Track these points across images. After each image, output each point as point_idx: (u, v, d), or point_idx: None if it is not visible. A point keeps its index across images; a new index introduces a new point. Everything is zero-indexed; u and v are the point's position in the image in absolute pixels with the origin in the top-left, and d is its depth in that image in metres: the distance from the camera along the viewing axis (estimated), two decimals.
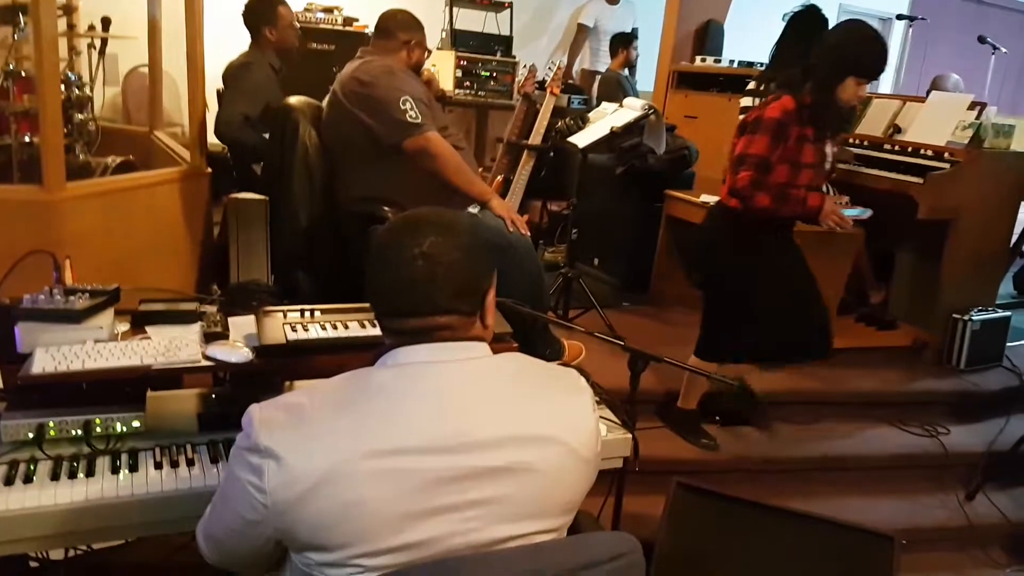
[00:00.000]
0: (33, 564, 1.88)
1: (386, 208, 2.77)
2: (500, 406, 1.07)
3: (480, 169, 3.73)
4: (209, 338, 1.60)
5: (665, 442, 2.87)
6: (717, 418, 3.05)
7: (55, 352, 1.45)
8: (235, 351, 1.55)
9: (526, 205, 5.11)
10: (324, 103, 2.96)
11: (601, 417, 1.82)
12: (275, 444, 1.00)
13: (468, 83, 5.46)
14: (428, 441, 1.01)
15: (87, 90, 3.71)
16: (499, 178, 4.18)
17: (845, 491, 2.90)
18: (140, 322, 1.69)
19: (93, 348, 1.48)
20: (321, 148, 2.91)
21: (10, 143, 3.17)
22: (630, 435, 1.83)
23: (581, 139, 3.31)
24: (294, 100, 2.94)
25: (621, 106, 3.60)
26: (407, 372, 1.07)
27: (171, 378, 1.59)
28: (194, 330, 1.66)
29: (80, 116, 3.41)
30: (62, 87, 3.30)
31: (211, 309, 1.78)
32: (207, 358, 1.53)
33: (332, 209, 2.90)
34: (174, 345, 1.53)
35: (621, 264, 4.22)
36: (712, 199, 3.59)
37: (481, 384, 1.09)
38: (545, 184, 4.50)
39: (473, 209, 2.85)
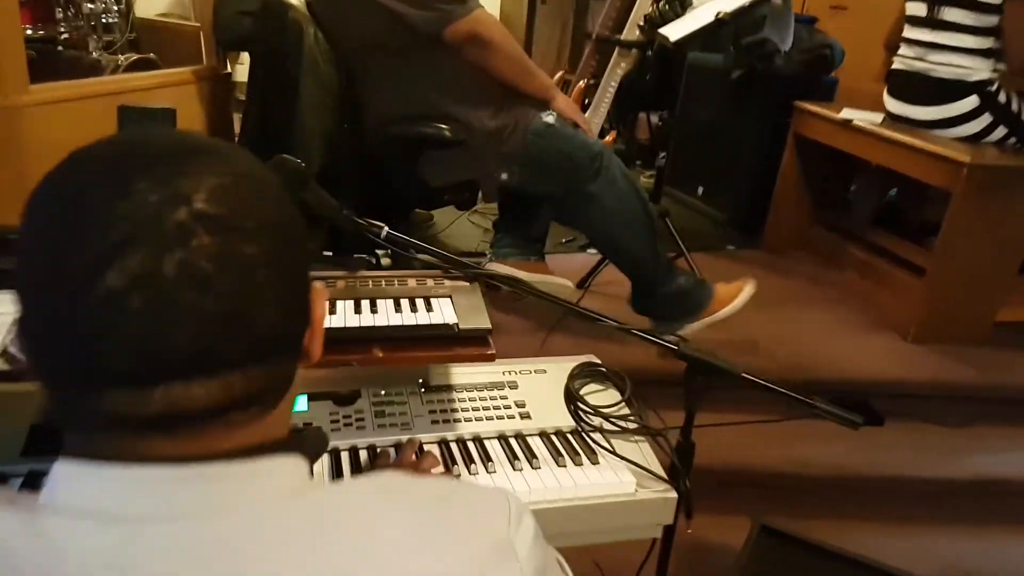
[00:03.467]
0: None
1: (441, 126, 2.16)
2: None
3: (561, 73, 3.04)
4: None
5: (744, 437, 2.17)
6: None
7: None
8: None
9: (629, 120, 4.35)
10: None
11: (627, 461, 1.20)
12: None
13: None
14: None
15: None
16: (581, 83, 3.43)
17: (1005, 529, 2.14)
18: None
19: None
20: (334, 56, 2.29)
21: None
22: (673, 495, 1.20)
23: (676, 30, 2.51)
24: None
25: None
26: (51, 537, 0.48)
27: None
28: None
29: (91, 6, 2.96)
30: None
31: None
32: None
33: (358, 138, 2.30)
34: None
35: (729, 195, 3.42)
36: (859, 114, 2.72)
37: None
38: (647, 93, 3.71)
39: (549, 118, 2.19)
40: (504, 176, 2.16)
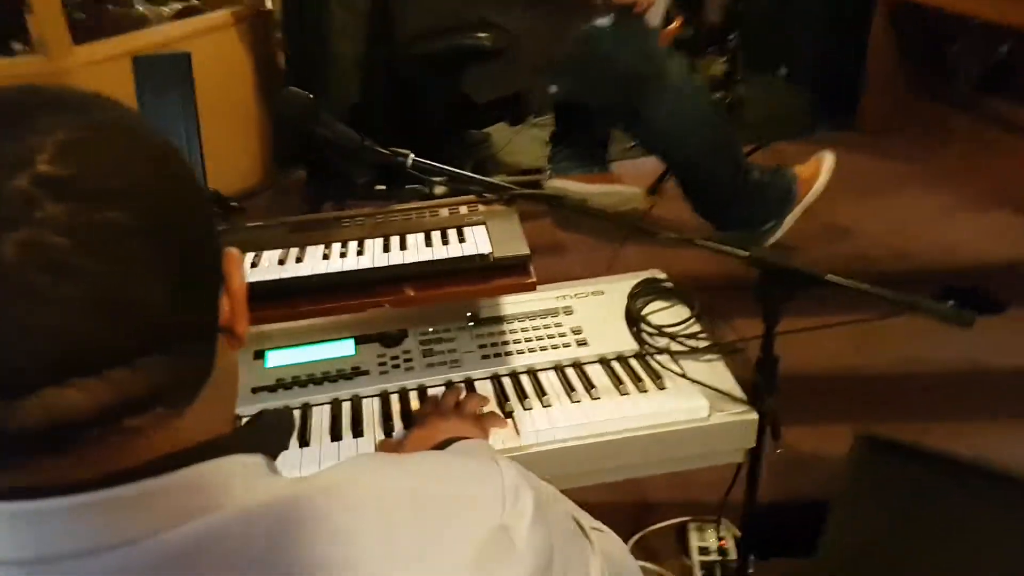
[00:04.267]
0: None
1: (479, 35, 2.01)
2: None
3: None
4: None
5: (840, 340, 1.98)
6: None
7: None
8: None
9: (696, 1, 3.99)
10: None
11: (698, 383, 1.10)
12: None
13: None
14: None
15: None
16: None
17: None
18: None
19: None
20: None
21: None
22: (753, 416, 1.08)
23: None
24: None
25: None
26: None
27: None
28: None
29: None
30: None
31: None
32: None
33: (395, 62, 2.17)
34: None
35: (815, 73, 3.10)
36: None
37: None
38: None
39: (603, 20, 2.00)
40: (552, 88, 1.99)
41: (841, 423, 1.71)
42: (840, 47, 2.96)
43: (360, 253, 1.02)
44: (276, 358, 1.16)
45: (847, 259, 2.13)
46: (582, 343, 1.20)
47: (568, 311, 1.26)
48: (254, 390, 1.11)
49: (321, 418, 1.07)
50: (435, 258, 1.00)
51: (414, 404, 1.10)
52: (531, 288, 1.01)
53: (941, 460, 1.49)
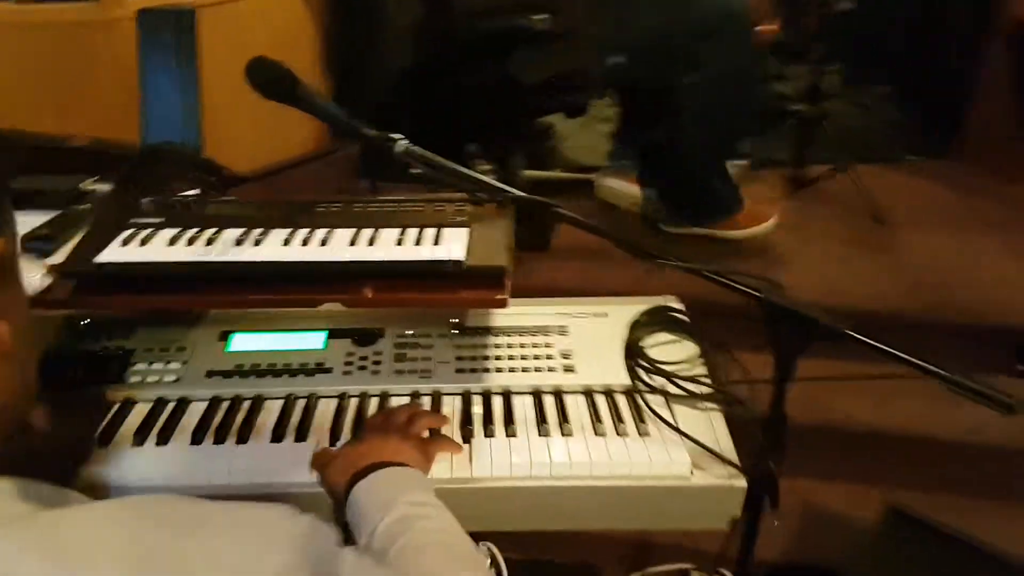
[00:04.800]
0: None
1: (535, 17, 1.90)
2: None
3: None
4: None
5: (860, 395, 1.76)
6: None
7: None
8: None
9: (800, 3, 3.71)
10: None
11: (684, 436, 0.97)
12: None
13: None
14: None
15: None
16: None
17: None
18: None
19: None
20: None
21: None
22: (741, 483, 0.95)
23: None
24: None
25: None
26: None
27: None
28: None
29: None
30: None
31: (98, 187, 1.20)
32: None
33: (444, 27, 2.07)
34: None
35: (917, 93, 2.83)
36: None
37: None
38: None
39: None
40: (614, 61, 1.86)
41: (857, 483, 1.55)
42: (946, 69, 2.69)
43: (324, 243, 0.93)
44: (240, 342, 1.10)
45: (907, 296, 1.93)
46: (569, 369, 1.08)
47: (563, 331, 1.15)
48: (209, 373, 1.05)
49: (269, 415, 1.00)
50: (400, 259, 0.91)
51: (371, 412, 1.02)
52: (500, 304, 0.90)
53: (970, 547, 1.32)
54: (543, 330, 1.15)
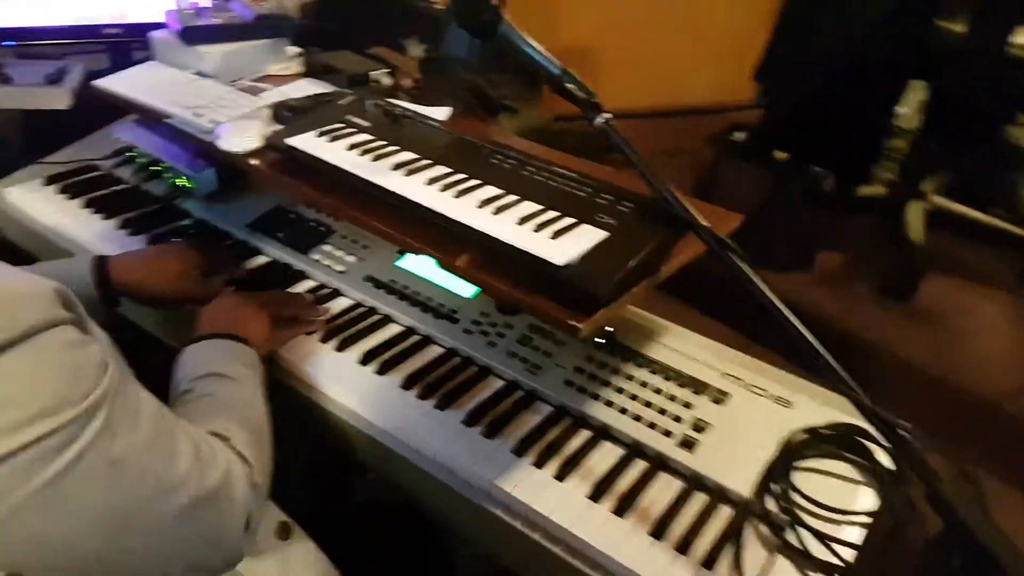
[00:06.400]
0: None
1: None
2: None
3: None
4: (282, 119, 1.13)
5: None
6: None
7: None
8: (243, 131, 1.06)
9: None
10: None
11: None
12: None
13: None
14: None
15: None
16: None
17: None
18: None
19: None
20: None
21: None
22: None
23: None
24: None
25: None
26: None
27: None
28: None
29: None
30: None
31: (383, 79, 1.27)
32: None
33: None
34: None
35: None
36: None
37: None
38: None
39: None
40: None
41: None
42: None
43: (460, 195, 0.86)
44: (410, 261, 1.11)
45: None
46: (688, 444, 0.86)
47: (719, 398, 0.91)
48: (367, 278, 1.09)
49: (376, 335, 1.01)
50: (505, 239, 0.79)
51: (466, 376, 0.95)
52: (571, 332, 0.73)
53: None
54: (697, 385, 0.93)
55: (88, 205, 1.27)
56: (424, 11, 1.39)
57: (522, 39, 0.87)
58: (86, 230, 1.22)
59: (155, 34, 1.35)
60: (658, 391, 0.92)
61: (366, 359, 0.97)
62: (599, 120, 0.83)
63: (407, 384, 0.93)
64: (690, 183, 2.52)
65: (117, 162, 1.38)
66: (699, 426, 0.88)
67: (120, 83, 1.27)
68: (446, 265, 0.85)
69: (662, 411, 0.90)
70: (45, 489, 0.49)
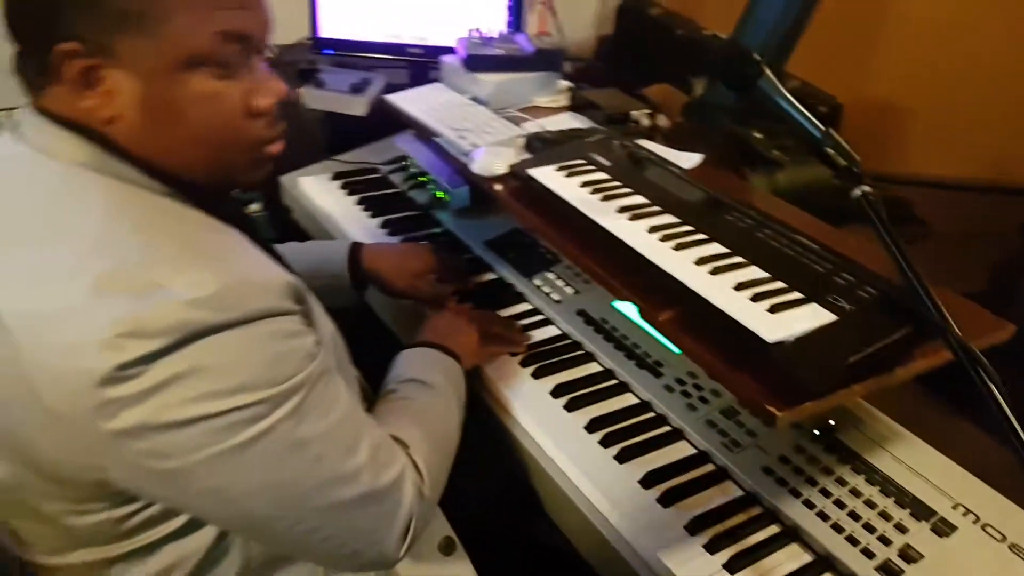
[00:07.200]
0: None
1: None
2: None
3: None
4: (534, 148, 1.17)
5: None
6: None
7: None
8: (495, 157, 1.11)
9: None
10: None
11: None
12: None
13: None
14: None
15: None
16: None
17: None
18: None
19: None
20: None
21: None
22: None
23: None
24: None
25: None
26: None
27: None
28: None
29: None
30: None
31: (643, 119, 1.26)
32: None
33: None
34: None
35: None
36: None
37: None
38: None
39: None
40: None
41: None
42: None
43: (679, 248, 0.82)
44: (627, 305, 1.09)
45: None
46: (890, 572, 0.74)
47: (942, 530, 0.78)
48: (580, 312, 1.09)
49: (574, 370, 1.00)
50: (712, 300, 0.74)
51: (651, 436, 0.91)
52: (767, 418, 0.66)
53: None
54: (919, 509, 0.80)
55: (361, 203, 1.42)
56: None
57: (782, 95, 0.81)
58: (354, 224, 1.36)
59: (445, 58, 1.49)
60: (871, 504, 0.81)
61: (557, 392, 0.97)
62: (856, 192, 0.76)
63: (591, 427, 0.92)
64: (987, 273, 2.18)
65: (393, 168, 1.53)
66: (909, 555, 0.76)
67: (405, 100, 1.41)
68: (647, 317, 0.82)
69: (870, 528, 0.78)
70: (231, 453, 0.55)
